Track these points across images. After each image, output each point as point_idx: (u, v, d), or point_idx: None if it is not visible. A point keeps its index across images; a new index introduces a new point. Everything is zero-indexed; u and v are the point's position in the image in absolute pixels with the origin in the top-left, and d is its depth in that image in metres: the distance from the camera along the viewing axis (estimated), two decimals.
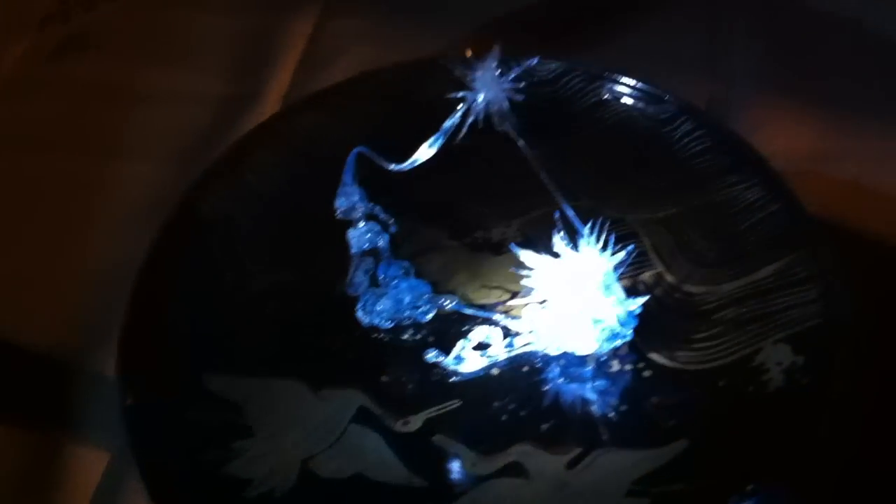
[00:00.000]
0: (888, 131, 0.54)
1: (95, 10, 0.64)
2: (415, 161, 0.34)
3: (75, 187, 0.52)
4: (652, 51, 0.58)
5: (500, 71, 0.32)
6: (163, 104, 0.57)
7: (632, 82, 0.46)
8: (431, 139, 0.33)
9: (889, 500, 0.39)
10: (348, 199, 0.39)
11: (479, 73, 0.31)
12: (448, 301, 0.42)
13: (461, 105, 0.32)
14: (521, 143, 0.34)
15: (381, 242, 0.42)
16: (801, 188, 0.44)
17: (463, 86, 0.32)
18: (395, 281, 0.42)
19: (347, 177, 0.38)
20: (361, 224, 0.40)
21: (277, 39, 0.60)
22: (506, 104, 0.32)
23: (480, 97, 0.31)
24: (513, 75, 0.32)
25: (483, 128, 0.42)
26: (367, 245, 0.41)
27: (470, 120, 0.32)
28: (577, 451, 0.38)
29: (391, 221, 0.41)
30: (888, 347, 0.43)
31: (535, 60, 0.32)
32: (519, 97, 0.32)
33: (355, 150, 0.37)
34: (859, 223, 0.49)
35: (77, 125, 0.56)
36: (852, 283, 0.40)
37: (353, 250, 0.41)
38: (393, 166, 0.35)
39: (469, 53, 0.31)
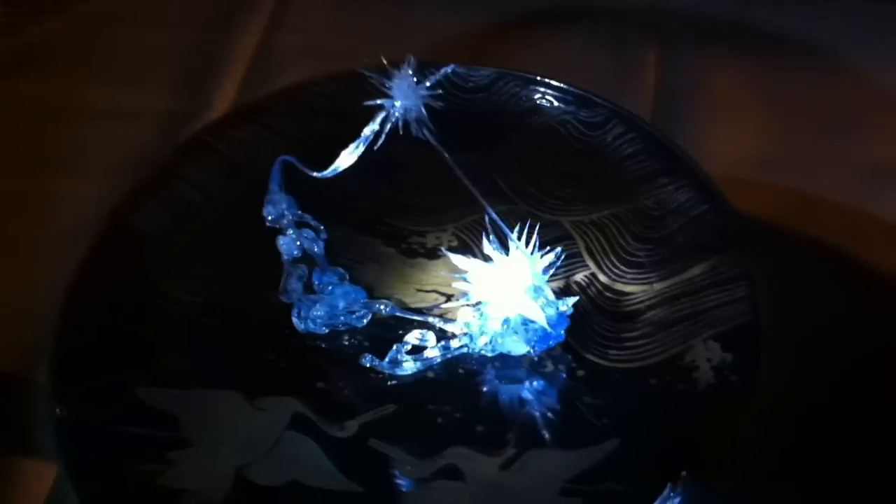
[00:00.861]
0: (829, 138, 0.55)
1: (42, 23, 0.63)
2: (336, 168, 0.34)
3: (18, 207, 0.52)
4: (595, 62, 0.59)
5: (416, 79, 0.32)
6: (108, 122, 0.57)
7: (564, 87, 0.47)
8: (351, 146, 0.34)
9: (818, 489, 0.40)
10: (276, 207, 0.39)
11: (395, 82, 0.32)
12: (383, 306, 0.42)
13: (380, 113, 0.32)
14: (440, 149, 0.34)
15: (317, 249, 0.42)
16: (742, 195, 0.44)
17: (382, 94, 0.32)
18: (330, 287, 0.42)
19: (274, 185, 0.38)
20: (291, 231, 0.40)
21: (223, 55, 0.61)
22: (423, 111, 0.32)
23: (398, 104, 0.32)
24: (429, 83, 0.33)
25: (415, 136, 0.43)
26: (297, 252, 0.41)
27: (388, 127, 0.32)
28: (511, 452, 0.38)
29: (322, 228, 0.41)
30: (815, 348, 0.44)
31: (450, 68, 0.32)
32: (437, 104, 0.33)
33: (280, 159, 0.38)
34: (798, 229, 0.50)
35: (20, 144, 0.56)
36: (782, 284, 0.41)
37: (285, 257, 0.41)
38: (315, 174, 0.35)
39: (385, 63, 0.31)
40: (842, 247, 0.49)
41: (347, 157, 0.34)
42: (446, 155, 0.34)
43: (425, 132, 0.33)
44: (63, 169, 0.54)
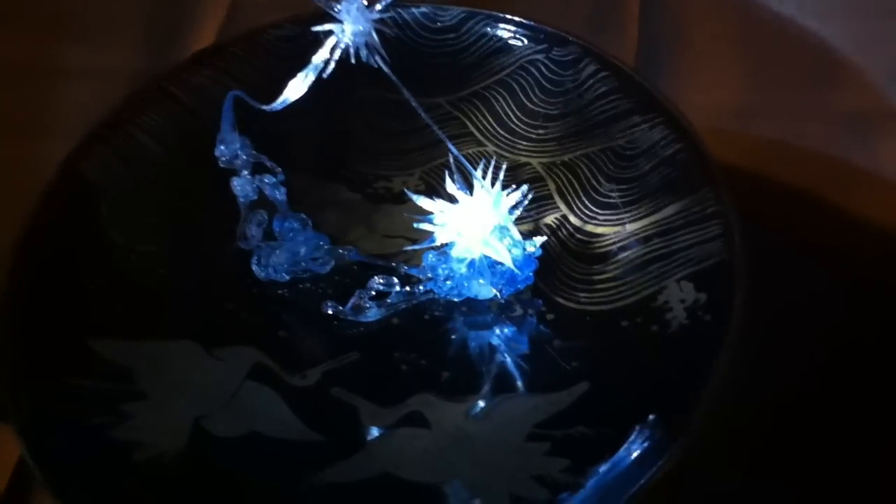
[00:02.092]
0: (810, 86, 0.54)
1: None
2: (286, 100, 0.32)
3: None
4: (574, 10, 0.57)
5: (366, 2, 0.31)
6: (76, 81, 0.55)
7: (535, 25, 0.45)
8: (300, 75, 0.32)
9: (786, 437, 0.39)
10: (228, 147, 0.37)
11: (344, 5, 0.30)
12: (347, 251, 0.41)
13: (329, 39, 0.31)
14: (393, 78, 0.33)
15: (278, 194, 0.40)
16: (725, 146, 0.43)
17: (331, 20, 0.30)
18: (292, 234, 0.41)
19: (225, 123, 0.36)
20: (246, 173, 0.38)
21: (196, 10, 0.58)
22: (374, 36, 0.31)
23: (347, 29, 0.30)
24: (380, 6, 0.31)
25: (376, 73, 0.41)
26: (253, 195, 0.39)
27: (338, 54, 0.31)
28: (477, 398, 0.37)
29: (279, 170, 0.39)
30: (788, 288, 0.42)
31: None
32: (388, 30, 0.31)
33: (230, 94, 0.36)
34: (779, 177, 0.49)
35: None
36: (759, 233, 0.39)
37: (241, 199, 0.39)
38: (264, 107, 0.33)
39: None
40: (823, 194, 0.48)
41: (296, 88, 0.32)
42: (401, 86, 0.33)
43: (377, 59, 0.31)
44: (29, 130, 0.52)
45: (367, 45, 0.30)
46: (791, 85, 0.54)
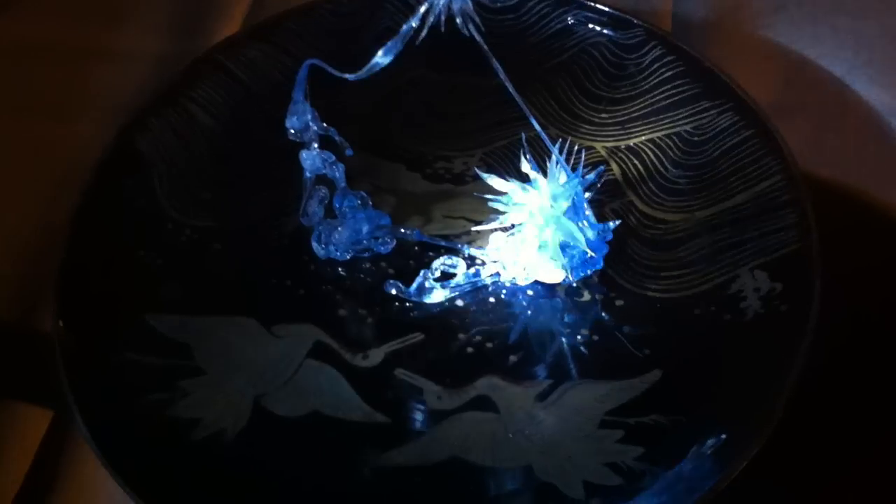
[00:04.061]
0: (847, 84, 0.53)
1: None
2: (374, 66, 0.31)
3: (13, 150, 0.49)
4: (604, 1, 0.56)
5: None
6: (103, 62, 0.54)
7: (599, 7, 0.44)
8: (389, 43, 0.31)
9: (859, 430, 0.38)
10: (300, 119, 0.36)
11: None
12: (409, 231, 0.40)
13: (421, 5, 0.30)
14: (486, 50, 0.32)
15: (338, 173, 0.39)
16: None
17: None
18: (352, 211, 0.40)
19: (298, 94, 0.35)
20: (315, 146, 0.37)
21: None
22: (469, 2, 0.30)
23: None
24: None
25: (437, 52, 0.40)
26: (321, 169, 0.38)
27: (431, 21, 0.30)
28: (547, 383, 0.36)
29: (346, 145, 0.38)
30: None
31: None
32: None
33: (307, 63, 0.35)
34: (812, 178, 0.48)
35: (9, 85, 0.52)
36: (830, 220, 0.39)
37: (307, 174, 0.38)
38: (348, 75, 0.32)
39: None
40: (860, 193, 0.47)
41: (383, 57, 0.31)
42: (493, 60, 0.32)
43: (471, 28, 0.30)
44: (56, 111, 0.51)
45: (462, 12, 0.29)
46: (828, 83, 0.53)
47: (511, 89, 0.33)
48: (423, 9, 0.30)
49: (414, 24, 0.30)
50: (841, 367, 0.39)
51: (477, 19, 0.30)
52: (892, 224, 0.46)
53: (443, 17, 0.30)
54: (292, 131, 0.36)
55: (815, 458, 0.37)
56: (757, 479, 0.36)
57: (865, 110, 0.51)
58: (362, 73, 0.31)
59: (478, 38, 0.30)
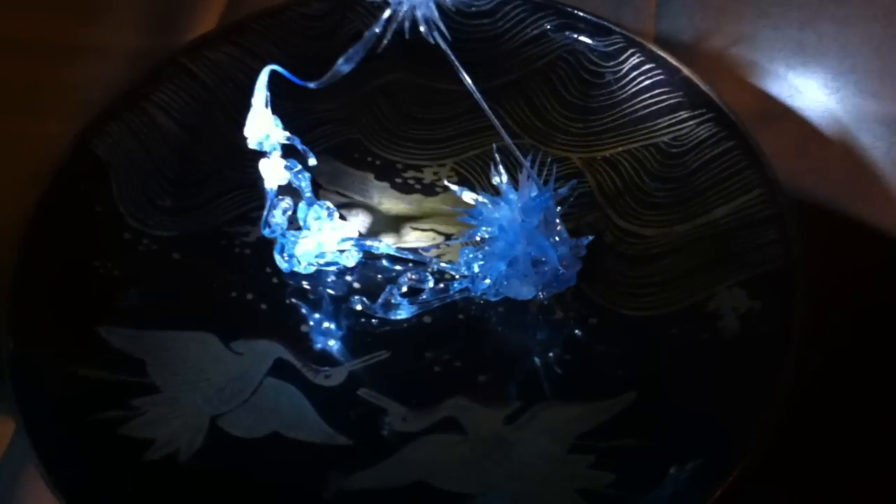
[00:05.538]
0: (833, 92, 0.52)
1: None
2: (335, 74, 0.30)
3: None
4: (586, 5, 0.55)
5: None
6: (75, 58, 0.52)
7: (577, 13, 0.43)
8: (350, 51, 0.30)
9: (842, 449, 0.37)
10: (261, 126, 0.34)
11: None
12: (375, 243, 0.38)
13: (383, 12, 0.28)
14: (452, 57, 0.30)
15: (304, 183, 0.38)
16: None
17: None
18: (318, 223, 0.38)
19: (259, 101, 0.34)
20: (277, 154, 0.36)
21: None
22: (433, 9, 0.28)
23: (405, 2, 0.28)
24: None
25: (409, 57, 0.38)
26: (283, 179, 0.37)
27: (393, 27, 0.28)
28: (517, 404, 0.34)
29: (310, 154, 0.37)
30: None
31: None
32: (449, 2, 0.29)
33: (267, 68, 0.33)
34: (797, 187, 0.47)
35: None
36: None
37: (268, 184, 0.36)
38: (309, 83, 0.31)
39: None
40: (844, 202, 0.46)
41: (345, 65, 0.29)
42: (458, 65, 0.30)
43: (436, 35, 0.28)
44: (26, 108, 0.50)
45: (426, 19, 0.28)
46: (813, 90, 0.52)
47: (479, 98, 0.31)
48: (385, 15, 0.28)
49: (377, 31, 0.29)
50: (841, 373, 0.38)
51: (442, 26, 0.29)
52: (877, 235, 0.45)
53: (407, 24, 0.28)
54: (252, 139, 0.35)
55: (816, 463, 0.36)
56: (758, 483, 0.36)
57: (850, 119, 0.50)
58: (323, 80, 0.30)
59: (443, 45, 0.29)
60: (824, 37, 0.55)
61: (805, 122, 0.50)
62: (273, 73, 0.34)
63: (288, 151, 0.37)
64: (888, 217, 0.46)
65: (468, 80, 0.31)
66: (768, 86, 0.52)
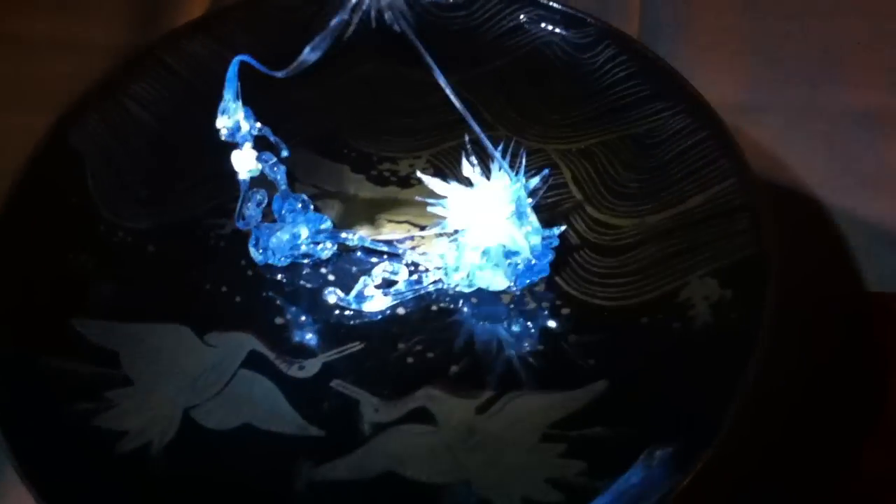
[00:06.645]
0: (816, 85, 0.53)
1: None
2: (302, 63, 0.30)
3: None
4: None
5: None
6: (56, 53, 0.52)
7: (552, 5, 0.43)
8: (317, 39, 0.30)
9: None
10: (231, 118, 0.34)
11: None
12: (350, 235, 0.38)
13: (350, 1, 0.28)
14: (418, 45, 0.30)
15: (278, 173, 0.38)
16: None
17: None
18: (293, 215, 0.38)
19: (229, 92, 0.34)
20: (249, 146, 0.36)
21: None
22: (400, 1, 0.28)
23: None
24: None
25: (387, 47, 0.38)
26: (256, 171, 0.37)
27: (359, 16, 0.28)
28: (488, 394, 0.34)
29: (283, 145, 0.37)
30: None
31: None
32: None
33: (236, 59, 0.33)
34: (778, 178, 0.47)
35: None
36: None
37: (241, 176, 0.36)
38: (276, 73, 0.31)
39: None
40: (826, 193, 0.46)
41: (311, 53, 0.29)
42: (425, 54, 0.30)
43: (402, 24, 0.29)
44: (7, 101, 0.50)
45: (391, 7, 0.28)
46: (797, 83, 0.52)
47: (446, 87, 0.31)
48: (352, 3, 0.28)
49: (343, 18, 0.29)
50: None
51: (409, 15, 0.29)
52: (857, 226, 0.45)
53: (373, 13, 0.28)
54: (223, 131, 0.35)
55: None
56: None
57: (833, 111, 0.50)
58: (291, 69, 0.30)
59: (409, 33, 0.29)
60: (809, 30, 0.55)
61: (788, 114, 0.50)
62: (245, 65, 0.34)
63: (265, 144, 0.38)
64: (867, 208, 0.46)
65: (434, 66, 0.31)
66: (752, 78, 0.53)
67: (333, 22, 0.29)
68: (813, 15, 0.56)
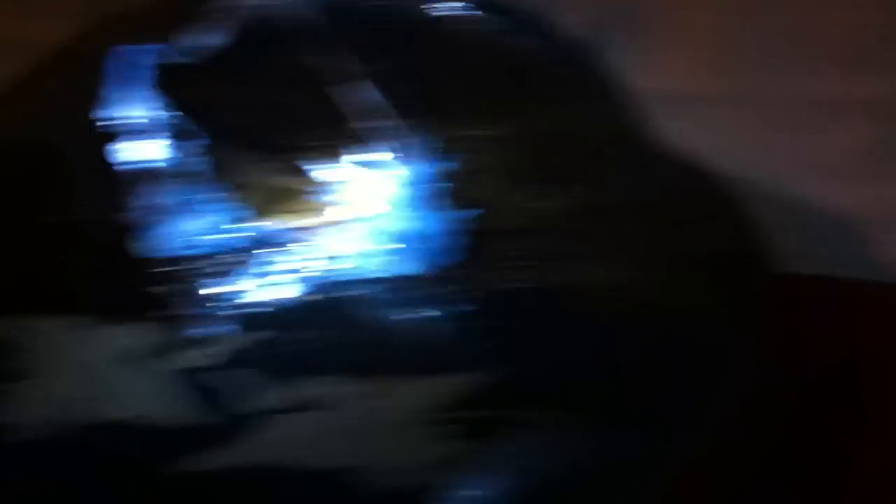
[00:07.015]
0: (773, 74, 0.52)
1: None
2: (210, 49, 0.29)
3: None
4: None
5: None
6: (19, 57, 0.52)
7: None
8: (213, 24, 0.29)
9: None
10: (137, 107, 0.34)
11: None
12: (259, 225, 0.37)
13: None
14: (332, 36, 0.29)
15: (189, 163, 0.37)
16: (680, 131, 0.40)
17: None
18: (198, 205, 0.37)
19: (140, 81, 0.33)
20: (156, 135, 0.35)
21: None
22: None
23: None
24: None
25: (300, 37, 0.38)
26: (159, 161, 0.36)
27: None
28: (383, 380, 0.33)
29: (199, 135, 0.36)
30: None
31: None
32: None
33: (147, 48, 0.33)
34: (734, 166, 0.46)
35: None
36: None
37: (139, 165, 0.35)
38: (183, 59, 0.30)
39: None
40: (782, 181, 0.45)
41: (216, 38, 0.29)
42: (338, 45, 0.29)
43: (316, 13, 0.27)
44: None
45: None
46: (753, 72, 0.51)
47: (359, 76, 0.30)
48: None
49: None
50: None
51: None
52: (819, 212, 0.44)
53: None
54: (130, 120, 0.34)
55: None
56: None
57: (807, 103, 0.50)
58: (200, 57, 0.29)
59: (323, 22, 0.28)
60: (786, 23, 0.54)
61: (762, 106, 0.50)
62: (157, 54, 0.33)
63: (174, 135, 0.36)
64: (838, 197, 0.45)
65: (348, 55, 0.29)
66: (728, 70, 0.52)
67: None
68: (769, 5, 0.55)
